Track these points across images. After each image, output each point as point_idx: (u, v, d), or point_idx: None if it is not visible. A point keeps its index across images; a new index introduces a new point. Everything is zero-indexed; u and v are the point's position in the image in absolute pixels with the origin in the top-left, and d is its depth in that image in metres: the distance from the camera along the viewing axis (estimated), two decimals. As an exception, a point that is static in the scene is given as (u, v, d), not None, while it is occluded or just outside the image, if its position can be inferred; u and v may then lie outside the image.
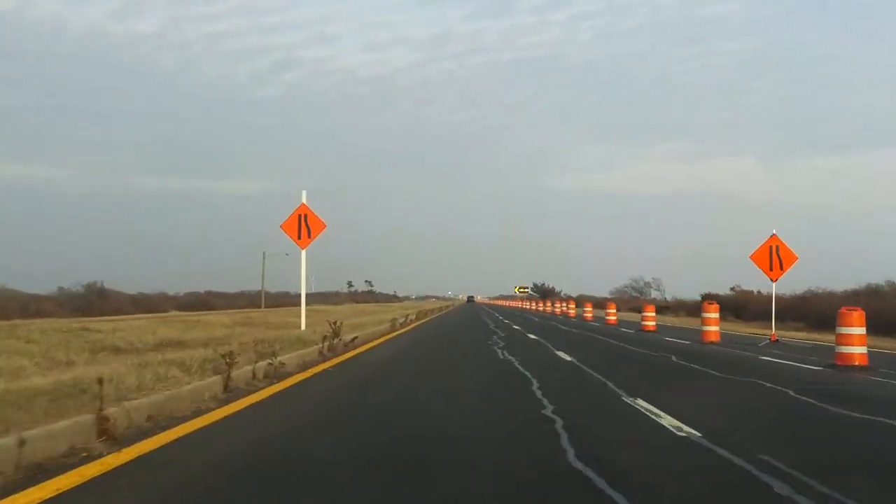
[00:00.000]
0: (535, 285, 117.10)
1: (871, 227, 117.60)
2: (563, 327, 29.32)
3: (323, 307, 50.32)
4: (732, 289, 47.75)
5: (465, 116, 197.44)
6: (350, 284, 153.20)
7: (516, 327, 27.49)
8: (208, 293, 66.30)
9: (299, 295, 20.53)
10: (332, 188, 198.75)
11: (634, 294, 71.72)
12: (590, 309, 41.99)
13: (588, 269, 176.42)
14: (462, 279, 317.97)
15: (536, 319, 39.62)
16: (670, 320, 40.33)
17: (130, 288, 60.36)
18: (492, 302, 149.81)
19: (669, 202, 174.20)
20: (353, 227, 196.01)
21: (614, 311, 34.62)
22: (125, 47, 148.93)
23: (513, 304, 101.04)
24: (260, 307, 60.37)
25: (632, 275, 75.39)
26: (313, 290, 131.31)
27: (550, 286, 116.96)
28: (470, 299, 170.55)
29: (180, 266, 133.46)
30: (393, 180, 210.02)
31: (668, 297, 67.15)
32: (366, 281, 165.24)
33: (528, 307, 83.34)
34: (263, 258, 68.93)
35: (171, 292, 60.85)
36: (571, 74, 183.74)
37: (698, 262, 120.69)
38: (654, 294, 71.14)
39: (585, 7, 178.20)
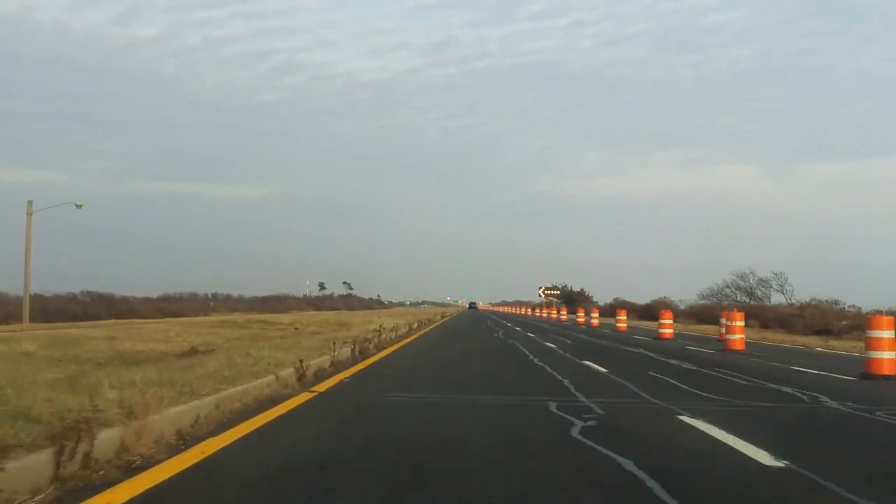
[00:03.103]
0: (557, 287, 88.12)
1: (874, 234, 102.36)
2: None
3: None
4: None
5: (465, 122, 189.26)
6: (322, 286, 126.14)
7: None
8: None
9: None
10: (331, 193, 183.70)
11: (742, 298, 42.93)
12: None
13: (628, 275, 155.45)
14: (463, 284, 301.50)
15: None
16: None
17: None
18: (497, 309, 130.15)
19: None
20: (350, 232, 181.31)
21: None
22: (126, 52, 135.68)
23: (539, 312, 74.10)
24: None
25: (736, 268, 45.30)
26: (308, 294, 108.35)
27: (579, 289, 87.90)
28: (472, 305, 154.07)
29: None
30: (393, 184, 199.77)
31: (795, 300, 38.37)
32: (344, 283, 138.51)
33: (549, 316, 57.01)
34: (28, 214, 37.37)
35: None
36: (572, 80, 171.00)
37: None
38: (774, 297, 42.37)
39: (586, 14, 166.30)
